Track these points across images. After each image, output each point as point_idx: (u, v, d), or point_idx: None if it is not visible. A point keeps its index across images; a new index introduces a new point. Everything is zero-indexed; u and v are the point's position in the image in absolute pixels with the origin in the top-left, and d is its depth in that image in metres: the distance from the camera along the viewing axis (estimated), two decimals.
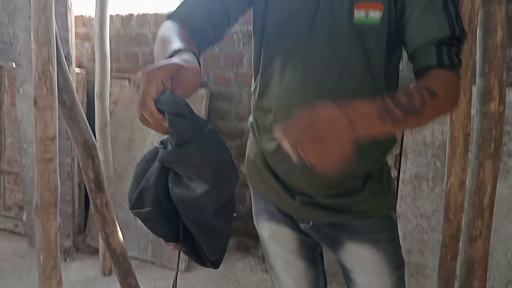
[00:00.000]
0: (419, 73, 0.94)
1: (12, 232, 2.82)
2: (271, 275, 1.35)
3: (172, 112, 0.65)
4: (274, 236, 1.26)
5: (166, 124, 0.67)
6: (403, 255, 1.19)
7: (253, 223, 1.33)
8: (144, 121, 0.71)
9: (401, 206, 2.09)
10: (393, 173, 2.10)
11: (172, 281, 0.93)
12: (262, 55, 1.07)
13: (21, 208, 2.87)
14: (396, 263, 1.13)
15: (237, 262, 2.52)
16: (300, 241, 1.25)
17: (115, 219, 1.83)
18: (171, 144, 0.69)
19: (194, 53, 0.80)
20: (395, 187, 2.08)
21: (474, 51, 1.22)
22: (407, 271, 2.06)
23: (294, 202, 1.11)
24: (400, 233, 1.87)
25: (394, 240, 1.14)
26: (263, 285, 2.33)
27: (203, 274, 2.43)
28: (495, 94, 1.20)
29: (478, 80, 1.26)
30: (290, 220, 1.21)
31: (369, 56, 0.96)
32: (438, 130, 2.01)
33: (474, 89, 1.25)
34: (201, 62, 0.82)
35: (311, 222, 1.16)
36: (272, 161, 1.10)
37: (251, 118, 1.17)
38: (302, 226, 1.19)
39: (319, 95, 0.95)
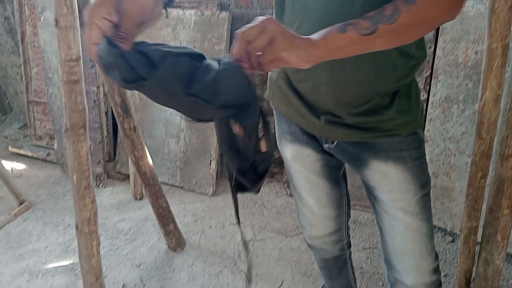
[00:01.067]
0: None
1: (44, 160, 2.93)
2: (295, 196, 1.37)
3: (105, 64, 0.63)
4: (297, 157, 1.26)
5: None
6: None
7: (277, 150, 1.33)
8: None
9: (429, 130, 2.05)
10: (423, 96, 2.04)
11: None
12: None
13: (51, 137, 2.95)
14: (422, 181, 1.12)
15: (263, 187, 2.56)
16: (323, 161, 1.25)
17: (144, 144, 1.86)
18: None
19: None
20: (425, 109, 2.03)
21: None
22: (433, 194, 2.07)
23: (318, 121, 1.09)
24: (427, 157, 1.86)
25: (420, 158, 1.12)
26: (288, 208, 2.39)
27: (229, 198, 2.50)
28: None
29: None
30: (313, 141, 1.21)
31: None
32: (472, 49, 1.91)
33: None
34: None
35: (335, 142, 1.15)
36: (295, 79, 1.07)
37: None
38: (325, 146, 1.19)
39: (346, 8, 0.90)
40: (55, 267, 2.09)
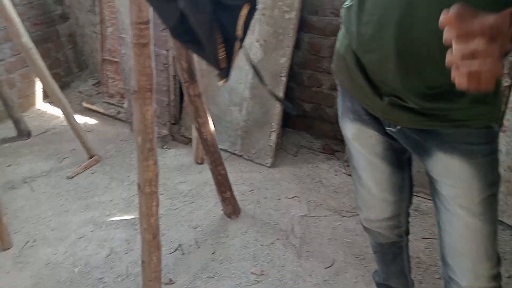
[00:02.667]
0: None
1: (115, 118, 3.06)
2: (353, 177, 1.33)
3: None
4: (358, 137, 1.21)
5: None
6: (504, 172, 1.07)
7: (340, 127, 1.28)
8: None
9: (509, 119, 1.88)
10: (506, 82, 1.87)
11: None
12: None
13: (122, 96, 3.07)
14: (490, 179, 1.02)
15: (322, 164, 2.53)
16: (386, 144, 1.19)
17: (207, 111, 1.88)
18: None
19: None
20: (506, 97, 1.86)
21: None
22: (506, 189, 1.92)
23: (381, 102, 1.02)
24: (504, 148, 1.72)
25: (491, 154, 1.02)
26: (346, 187, 2.34)
27: (287, 170, 2.49)
28: None
29: None
30: (376, 122, 1.14)
31: None
32: None
33: None
34: None
35: (398, 126, 1.08)
36: (363, 49, 0.99)
37: (346, 2, 1.06)
38: (388, 129, 1.12)
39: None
40: (117, 220, 2.21)
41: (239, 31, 0.75)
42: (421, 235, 2.02)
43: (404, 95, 0.97)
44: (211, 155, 1.98)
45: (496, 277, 1.12)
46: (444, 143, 1.01)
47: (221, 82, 0.78)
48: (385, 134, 1.15)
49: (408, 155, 1.27)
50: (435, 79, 0.92)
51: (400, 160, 1.25)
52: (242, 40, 0.76)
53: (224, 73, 0.77)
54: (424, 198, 2.21)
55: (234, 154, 2.62)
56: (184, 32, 0.78)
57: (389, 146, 1.19)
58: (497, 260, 1.11)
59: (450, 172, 1.03)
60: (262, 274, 1.89)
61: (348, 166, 2.41)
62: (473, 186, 1.01)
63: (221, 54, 0.75)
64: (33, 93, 3.27)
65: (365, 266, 1.89)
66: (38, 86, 3.24)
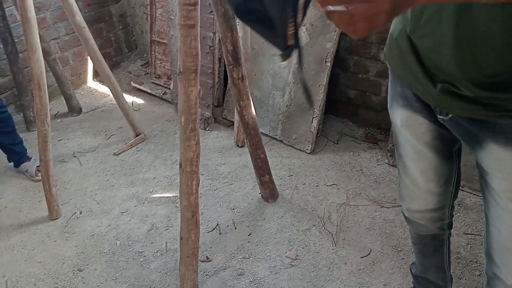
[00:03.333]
0: None
1: (161, 98, 3.14)
2: (399, 165, 1.30)
3: None
4: (407, 124, 1.18)
5: None
6: None
7: (385, 116, 1.26)
8: None
9: None
10: None
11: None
12: None
13: (169, 77, 3.14)
14: None
15: (364, 153, 2.49)
16: (436, 133, 1.15)
17: (250, 94, 1.89)
18: None
19: None
20: None
21: None
22: None
23: (433, 89, 0.99)
24: None
25: None
26: (387, 178, 2.30)
27: (327, 158, 2.47)
28: None
29: None
30: (427, 110, 1.11)
31: None
32: None
33: None
34: None
35: (450, 114, 1.05)
36: (418, 34, 0.97)
37: None
38: (439, 117, 1.08)
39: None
40: (159, 197, 2.29)
41: (301, 4, 0.74)
42: (463, 230, 1.96)
43: (459, 82, 0.94)
44: (252, 138, 2.00)
45: None
46: (498, 134, 0.97)
47: (284, 63, 0.77)
48: (436, 122, 1.12)
49: (458, 146, 1.23)
50: (493, 67, 0.88)
51: (449, 151, 1.21)
52: (304, 14, 0.75)
53: (288, 52, 0.76)
54: (469, 192, 2.14)
55: (274, 138, 2.63)
56: (249, 11, 0.77)
57: (439, 135, 1.16)
58: None
59: (503, 165, 0.99)
60: (297, 259, 1.90)
61: (391, 156, 2.36)
62: None
63: (291, 29, 0.73)
64: (85, 71, 3.40)
65: (402, 258, 1.86)
66: (90, 65, 3.37)
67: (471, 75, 0.92)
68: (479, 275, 1.76)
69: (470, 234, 1.94)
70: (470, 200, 2.11)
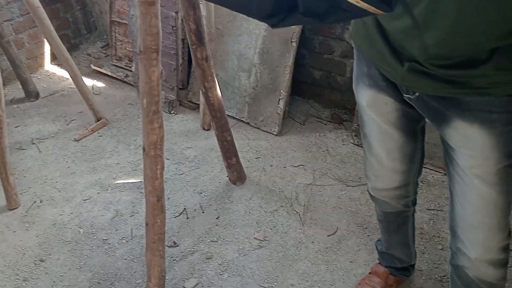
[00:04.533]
0: None
1: (123, 81, 3.04)
2: (364, 145, 1.31)
3: None
4: (373, 104, 1.18)
5: None
6: None
7: (351, 96, 1.25)
8: None
9: None
10: None
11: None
12: None
13: (130, 59, 3.04)
14: (509, 150, 1.00)
15: (330, 133, 2.51)
16: (401, 112, 1.16)
17: (215, 76, 1.85)
18: None
19: None
20: None
21: None
22: None
23: (401, 68, 0.99)
24: None
25: (511, 124, 1.00)
26: (352, 157, 2.32)
27: (294, 139, 2.48)
28: None
29: None
30: (393, 89, 1.11)
31: None
32: None
33: None
34: None
35: (416, 93, 1.05)
36: (388, 15, 0.96)
37: None
38: (406, 96, 1.09)
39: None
40: (123, 183, 2.23)
41: None
42: (426, 206, 2.01)
43: (425, 62, 0.94)
44: (218, 121, 1.97)
45: (506, 248, 1.12)
46: (465, 111, 0.99)
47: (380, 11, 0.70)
48: (401, 101, 1.13)
49: (422, 124, 1.24)
50: (462, 50, 0.89)
51: (414, 129, 1.22)
52: None
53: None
54: (431, 169, 2.19)
55: (241, 121, 2.60)
56: None
57: (404, 114, 1.16)
58: (508, 232, 1.10)
59: (469, 141, 1.01)
60: (265, 240, 1.90)
61: (356, 136, 2.38)
62: (491, 155, 0.99)
63: None
64: (42, 54, 3.25)
65: (368, 235, 1.90)
66: (47, 47, 3.22)
67: (437, 59, 0.92)
68: (442, 249, 1.82)
69: (433, 210, 2.00)
70: (433, 177, 2.16)
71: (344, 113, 2.64)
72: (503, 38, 0.85)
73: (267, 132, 2.51)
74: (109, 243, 1.92)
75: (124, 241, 1.93)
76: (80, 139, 2.53)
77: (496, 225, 1.06)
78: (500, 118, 0.97)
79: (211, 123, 2.03)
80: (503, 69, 0.91)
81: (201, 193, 2.16)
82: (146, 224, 1.58)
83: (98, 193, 2.17)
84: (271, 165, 2.31)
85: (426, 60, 0.94)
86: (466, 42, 0.87)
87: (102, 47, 3.42)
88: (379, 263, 1.65)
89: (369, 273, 1.67)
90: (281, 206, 2.06)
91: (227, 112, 2.07)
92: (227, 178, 2.21)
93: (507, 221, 1.08)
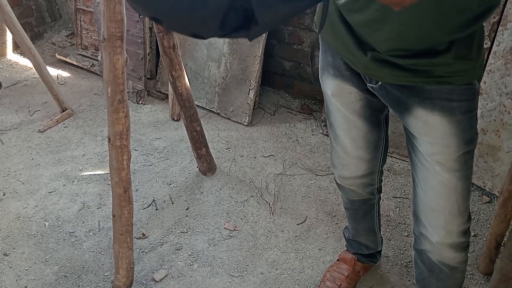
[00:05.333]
0: None
1: (89, 71, 2.96)
2: (330, 134, 1.32)
3: None
4: (338, 94, 1.19)
5: None
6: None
7: (319, 87, 1.27)
8: None
9: (486, 82, 1.89)
10: (486, 44, 1.86)
11: None
12: None
13: (96, 48, 2.96)
14: (468, 136, 1.04)
15: (299, 123, 2.52)
16: (365, 101, 1.18)
17: (182, 64, 1.82)
18: None
19: None
20: (485, 59, 1.86)
21: None
22: (477, 151, 1.95)
23: (364, 57, 1.00)
24: (479, 111, 1.73)
25: (471, 111, 1.03)
26: (321, 147, 2.34)
27: (264, 129, 2.48)
28: None
29: None
30: (357, 78, 1.13)
31: None
32: None
33: None
34: None
35: (379, 82, 1.07)
36: (350, 8, 0.97)
37: None
38: (369, 85, 1.11)
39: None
40: (90, 175, 2.18)
41: None
42: (392, 194, 2.06)
43: (387, 53, 0.96)
44: (186, 111, 1.95)
45: (466, 232, 1.15)
46: (426, 100, 1.01)
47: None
48: (365, 91, 1.14)
49: (385, 113, 1.27)
50: (421, 42, 0.91)
51: (378, 118, 1.25)
52: None
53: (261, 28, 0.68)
54: (397, 158, 2.24)
55: (211, 111, 2.58)
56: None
57: (368, 104, 1.18)
58: (468, 217, 1.14)
59: (430, 129, 1.03)
60: (235, 230, 1.90)
61: (325, 126, 2.40)
62: (451, 142, 1.02)
63: None
64: (4, 43, 3.13)
65: (336, 223, 1.93)
66: (9, 36, 3.10)
67: (398, 50, 0.94)
68: (407, 235, 1.87)
69: (398, 197, 2.05)
70: (399, 165, 2.21)
71: (313, 103, 2.66)
72: (459, 30, 0.88)
73: (238, 122, 2.51)
74: (76, 236, 1.88)
75: (91, 233, 1.89)
76: (45, 130, 2.46)
77: (457, 210, 1.10)
78: (460, 106, 1.00)
79: (180, 114, 2.01)
80: (462, 58, 0.94)
81: (170, 184, 2.14)
82: (113, 216, 1.55)
83: (64, 185, 2.12)
84: (242, 156, 2.31)
85: (387, 51, 0.96)
86: (423, 34, 0.89)
87: (67, 36, 3.32)
88: (346, 250, 1.68)
89: (337, 260, 1.70)
90: (251, 196, 2.07)
91: (196, 103, 2.05)
92: (197, 168, 2.19)
93: (467, 205, 1.12)
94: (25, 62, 3.05)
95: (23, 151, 2.32)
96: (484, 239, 1.80)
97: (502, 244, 1.60)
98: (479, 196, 2.02)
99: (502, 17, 1.81)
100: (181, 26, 0.69)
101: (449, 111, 1.00)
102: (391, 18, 0.87)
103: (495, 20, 1.84)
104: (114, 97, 1.36)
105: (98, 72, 2.90)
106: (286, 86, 2.75)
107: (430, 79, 0.98)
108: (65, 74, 2.96)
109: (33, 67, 2.41)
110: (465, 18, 0.87)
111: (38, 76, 2.45)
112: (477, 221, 1.91)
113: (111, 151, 1.46)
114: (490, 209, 1.96)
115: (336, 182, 1.44)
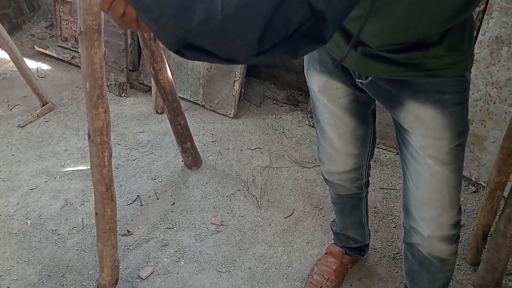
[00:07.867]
0: None
1: (69, 63, 2.89)
2: (317, 130, 1.30)
3: None
4: (325, 90, 1.18)
5: None
6: None
7: (305, 78, 1.24)
8: None
9: (471, 71, 1.88)
10: None
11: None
12: None
13: (77, 40, 2.88)
14: (460, 129, 1.03)
15: (286, 115, 2.50)
16: (352, 97, 1.17)
17: (164, 56, 1.78)
18: None
19: None
20: None
21: None
22: None
23: (354, 52, 0.98)
24: None
25: (462, 103, 1.02)
26: (308, 139, 2.32)
27: (250, 121, 2.45)
28: None
29: None
30: (344, 74, 1.11)
31: None
32: None
33: None
34: None
35: (369, 77, 1.05)
36: None
37: None
38: (358, 81, 1.09)
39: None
40: (72, 170, 2.13)
41: None
42: (379, 185, 2.05)
43: (378, 48, 0.94)
44: (170, 104, 1.90)
45: (457, 224, 1.15)
46: (418, 93, 1.00)
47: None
48: (352, 86, 1.13)
49: (373, 108, 1.25)
50: (412, 36, 0.90)
51: (365, 113, 1.23)
52: None
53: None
54: (384, 149, 2.23)
55: (196, 103, 2.54)
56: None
57: (355, 99, 1.17)
58: (459, 209, 1.14)
59: (422, 123, 1.02)
60: (222, 224, 1.88)
61: (311, 117, 2.38)
62: (444, 135, 1.02)
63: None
64: None
65: (323, 216, 1.92)
66: None
67: (389, 45, 0.92)
68: (395, 227, 1.86)
69: (385, 188, 2.04)
70: (385, 156, 2.20)
71: (299, 94, 2.63)
72: (451, 18, 0.86)
73: (223, 114, 2.47)
74: (59, 234, 1.83)
75: (74, 231, 1.85)
76: (25, 125, 2.40)
77: (449, 202, 1.09)
78: (452, 98, 0.99)
79: (163, 106, 1.97)
80: (453, 50, 0.93)
81: (155, 179, 2.10)
82: (96, 214, 1.52)
83: (45, 181, 2.07)
84: (228, 149, 2.28)
85: (378, 46, 0.94)
86: (415, 26, 0.87)
87: (46, 27, 3.22)
88: (334, 243, 1.67)
89: (325, 253, 1.69)
90: (238, 190, 2.04)
91: (180, 95, 2.01)
92: (182, 163, 2.16)
93: (458, 198, 1.12)
94: (3, 55, 2.96)
95: (2, 147, 2.26)
96: (471, 230, 1.81)
97: (488, 235, 1.60)
98: (465, 186, 2.02)
99: (487, 6, 1.80)
100: (213, 46, 0.63)
101: (441, 103, 0.99)
102: (382, 13, 0.85)
103: (480, 9, 1.82)
104: (93, 92, 1.32)
105: (79, 65, 2.82)
106: (271, 77, 2.72)
107: (422, 72, 0.96)
108: (45, 66, 2.88)
109: (11, 61, 2.34)
110: (457, 4, 0.85)
111: (17, 70, 2.38)
112: (464, 211, 1.92)
113: (92, 148, 1.42)
114: (476, 199, 1.97)
115: (324, 177, 1.43)
